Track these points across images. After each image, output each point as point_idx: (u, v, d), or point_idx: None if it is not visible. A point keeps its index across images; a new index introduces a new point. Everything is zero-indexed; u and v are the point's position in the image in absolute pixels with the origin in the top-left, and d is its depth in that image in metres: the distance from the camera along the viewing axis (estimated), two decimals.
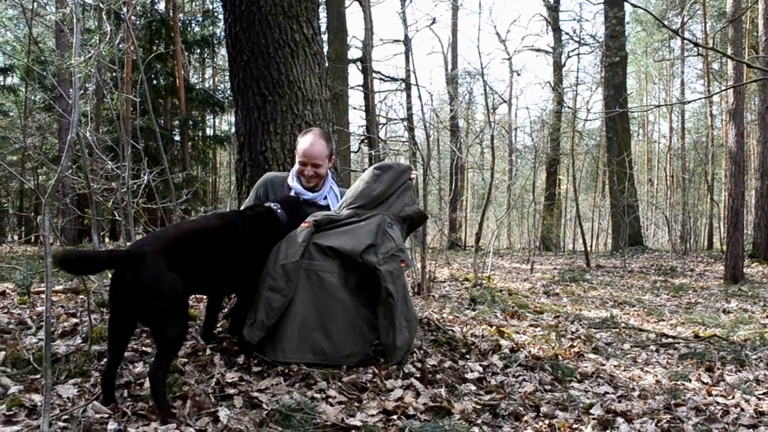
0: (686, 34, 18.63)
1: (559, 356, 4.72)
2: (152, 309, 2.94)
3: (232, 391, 3.29)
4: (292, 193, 4.09)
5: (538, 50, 30.17)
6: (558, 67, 28.45)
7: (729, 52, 12.13)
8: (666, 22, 21.62)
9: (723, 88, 16.71)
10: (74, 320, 4.65)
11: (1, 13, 25.04)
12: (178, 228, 3.50)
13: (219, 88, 29.56)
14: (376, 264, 3.66)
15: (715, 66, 27.36)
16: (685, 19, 26.02)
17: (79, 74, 2.92)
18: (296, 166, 4.11)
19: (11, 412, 2.91)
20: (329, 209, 4.07)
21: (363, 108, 24.01)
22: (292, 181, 4.13)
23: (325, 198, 4.20)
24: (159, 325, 2.97)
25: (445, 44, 32.14)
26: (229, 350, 3.86)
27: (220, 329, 4.40)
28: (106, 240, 19.75)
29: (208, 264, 3.32)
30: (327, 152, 4.13)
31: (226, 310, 4.90)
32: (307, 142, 4.08)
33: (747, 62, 10.92)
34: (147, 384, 3.32)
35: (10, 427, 2.77)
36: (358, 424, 3.01)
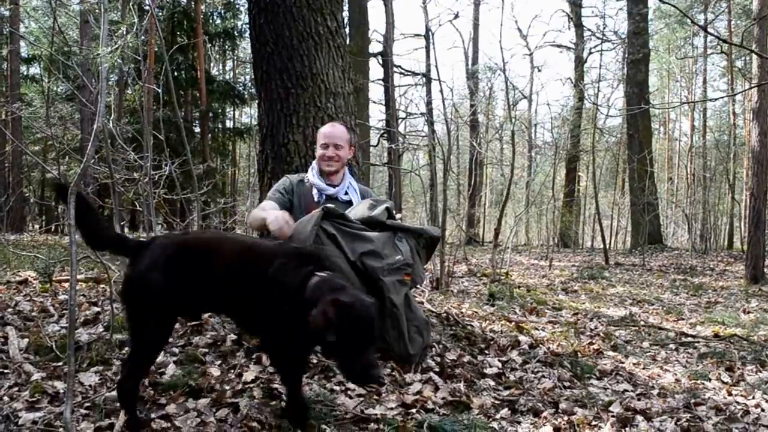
0: (710, 32, 18.46)
1: (578, 353, 4.71)
2: (127, 308, 2.76)
3: (251, 382, 3.31)
4: (314, 192, 4.04)
5: (560, 46, 30.07)
6: (579, 63, 28.28)
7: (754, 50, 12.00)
8: (690, 21, 21.45)
9: (747, 86, 16.55)
10: (96, 309, 4.70)
11: (25, 2, 25.20)
12: (205, 236, 3.25)
13: (239, 80, 29.66)
14: (379, 273, 3.53)
15: (739, 64, 27.09)
16: (710, 16, 25.77)
17: (106, 64, 2.94)
18: (318, 153, 4.10)
19: (34, 399, 2.95)
20: (350, 205, 4.02)
21: (383, 102, 23.99)
22: (312, 176, 4.08)
23: (346, 193, 4.16)
24: (131, 329, 2.77)
25: (466, 39, 32.15)
26: (249, 341, 3.89)
27: None
28: (126, 230, 19.90)
29: (217, 288, 2.76)
30: (348, 137, 4.13)
31: None
32: (328, 126, 4.14)
33: None
34: (168, 372, 3.36)
35: (33, 413, 2.81)
36: (378, 415, 3.02)
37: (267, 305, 2.72)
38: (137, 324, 2.72)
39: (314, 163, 4.15)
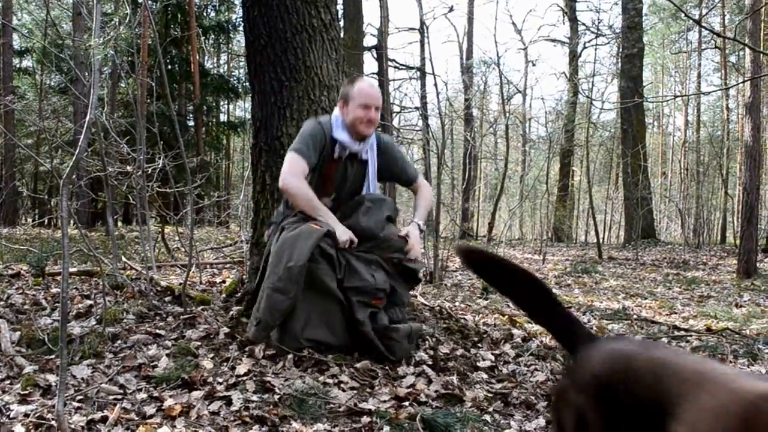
0: (704, 26, 18.47)
1: None
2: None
3: (244, 375, 3.31)
4: (337, 148, 3.86)
5: (555, 41, 30.03)
6: (574, 57, 28.28)
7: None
8: (685, 15, 21.45)
9: (741, 80, 16.59)
10: (88, 302, 4.69)
11: None
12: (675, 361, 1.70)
13: (234, 73, 29.62)
14: (349, 294, 3.63)
15: (733, 59, 27.13)
16: (705, 11, 25.77)
17: (98, 56, 2.93)
18: (355, 114, 3.79)
19: (26, 392, 2.94)
20: (367, 166, 3.98)
21: None
22: (337, 130, 3.85)
23: (367, 152, 3.98)
24: None
25: (460, 33, 32.01)
26: (242, 334, 3.88)
27: (234, 314, 4.42)
28: (119, 224, 19.88)
29: None
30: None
31: (238, 295, 4.92)
32: (365, 83, 3.89)
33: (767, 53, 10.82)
34: (161, 365, 3.35)
35: (25, 406, 2.80)
36: (371, 408, 3.03)
37: None
38: None
39: (337, 114, 3.90)
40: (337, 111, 3.92)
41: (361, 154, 3.95)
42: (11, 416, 2.69)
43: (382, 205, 3.91)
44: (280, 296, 3.50)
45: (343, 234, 3.63)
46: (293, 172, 3.71)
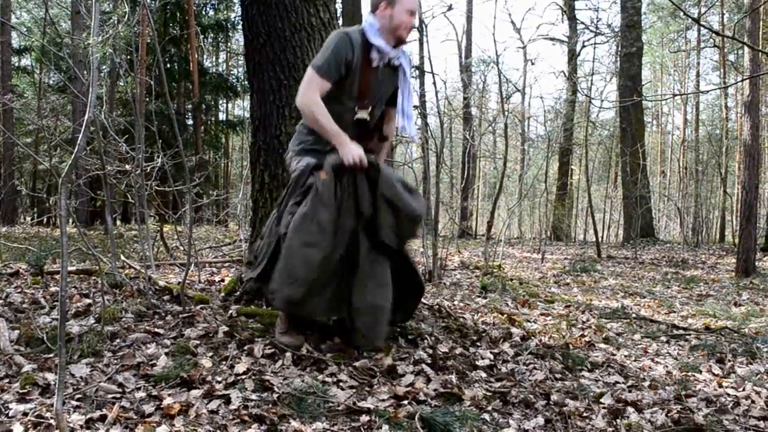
0: (703, 24, 18.48)
1: (570, 345, 4.72)
2: None
3: (243, 373, 3.31)
4: (374, 54, 3.76)
5: (553, 39, 29.98)
6: (573, 56, 28.27)
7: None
8: (683, 13, 21.46)
9: (739, 79, 16.59)
10: (87, 301, 4.69)
11: None
12: None
13: (232, 72, 29.60)
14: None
15: (732, 58, 27.14)
16: (704, 9, 25.80)
17: (97, 54, 2.93)
18: (400, 20, 3.72)
19: (25, 390, 2.94)
20: (398, 71, 3.92)
21: None
22: (374, 36, 3.74)
23: (400, 58, 3.91)
24: None
25: (459, 32, 32.01)
26: (241, 333, 3.88)
27: (232, 313, 4.42)
28: (118, 222, 19.87)
29: None
30: None
31: (237, 293, 4.92)
32: None
33: (767, 52, 10.82)
34: (160, 364, 3.35)
35: (24, 404, 2.80)
36: (370, 406, 3.03)
37: None
38: None
39: (372, 21, 3.79)
40: (370, 18, 3.80)
41: (394, 61, 3.87)
42: (10, 415, 2.69)
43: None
44: (312, 250, 3.51)
45: (353, 152, 3.57)
46: (311, 90, 3.66)
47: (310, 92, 3.65)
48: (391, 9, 3.73)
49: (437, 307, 5.28)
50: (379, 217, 3.65)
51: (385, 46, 3.73)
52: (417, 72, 26.72)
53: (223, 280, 6.02)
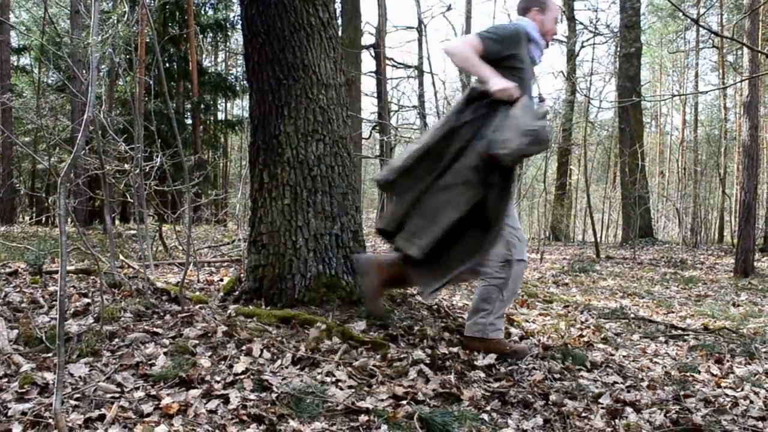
0: (702, 25, 18.45)
1: (569, 345, 4.72)
2: None
3: (242, 373, 3.31)
4: (536, 52, 4.11)
5: (552, 39, 29.95)
6: (572, 56, 28.26)
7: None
8: (683, 14, 21.46)
9: (738, 79, 16.59)
10: (86, 300, 4.68)
11: None
12: None
13: (231, 72, 29.60)
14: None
15: (730, 58, 27.15)
16: (703, 10, 25.79)
17: (96, 53, 2.93)
18: (549, 25, 4.14)
19: (24, 390, 2.94)
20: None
21: (375, 94, 23.92)
22: (537, 36, 4.08)
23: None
24: None
25: (458, 32, 31.99)
26: (240, 333, 3.88)
27: (231, 313, 4.42)
28: (117, 222, 19.86)
29: None
30: None
31: (236, 293, 4.92)
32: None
33: (766, 53, 10.83)
34: (158, 364, 3.35)
35: (23, 404, 2.80)
36: (369, 406, 3.03)
37: None
38: None
39: (531, 23, 4.10)
40: (527, 19, 4.11)
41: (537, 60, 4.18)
42: (9, 414, 2.69)
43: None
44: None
45: (502, 84, 3.65)
46: (465, 43, 3.83)
47: (462, 44, 3.88)
48: (543, 15, 4.12)
49: (436, 307, 5.27)
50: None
51: (543, 44, 4.15)
52: (416, 72, 26.74)
53: (221, 280, 6.01)
